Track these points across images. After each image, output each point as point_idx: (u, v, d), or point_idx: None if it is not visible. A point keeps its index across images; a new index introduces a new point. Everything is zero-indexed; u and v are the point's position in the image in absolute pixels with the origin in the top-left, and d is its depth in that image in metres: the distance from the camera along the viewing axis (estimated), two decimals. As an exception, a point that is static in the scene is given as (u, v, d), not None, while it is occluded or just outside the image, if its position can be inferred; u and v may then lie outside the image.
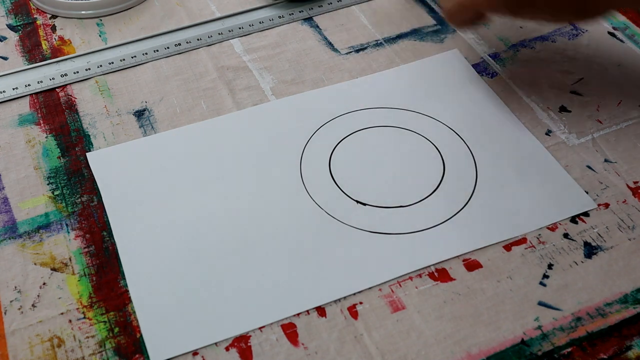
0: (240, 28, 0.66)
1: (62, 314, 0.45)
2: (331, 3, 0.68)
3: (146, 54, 0.63)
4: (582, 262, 0.47)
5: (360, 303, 0.45)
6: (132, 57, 0.63)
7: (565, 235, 0.48)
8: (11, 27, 0.67)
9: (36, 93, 0.60)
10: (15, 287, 0.46)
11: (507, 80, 0.60)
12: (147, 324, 0.44)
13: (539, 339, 0.43)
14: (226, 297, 0.45)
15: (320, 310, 0.45)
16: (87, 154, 0.54)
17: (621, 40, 0.63)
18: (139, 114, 0.58)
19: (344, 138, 0.55)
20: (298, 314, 0.44)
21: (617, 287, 0.45)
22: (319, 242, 0.48)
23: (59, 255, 0.48)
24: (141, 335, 0.43)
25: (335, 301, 0.45)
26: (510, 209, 0.50)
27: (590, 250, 0.47)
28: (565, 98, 0.58)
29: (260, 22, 0.66)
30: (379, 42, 0.64)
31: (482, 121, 0.56)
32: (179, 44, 0.64)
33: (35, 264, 0.47)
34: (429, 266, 0.47)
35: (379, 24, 0.66)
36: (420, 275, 0.46)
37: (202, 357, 0.42)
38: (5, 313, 0.45)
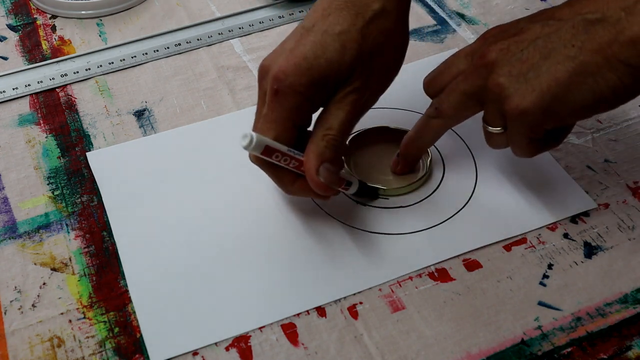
0: (240, 28, 0.66)
1: (62, 314, 0.45)
2: (331, 3, 0.68)
3: (146, 54, 0.63)
4: (582, 262, 0.47)
5: (360, 303, 0.45)
6: (132, 57, 0.63)
7: (565, 235, 0.48)
8: (11, 27, 0.67)
9: (36, 93, 0.60)
10: (15, 287, 0.46)
11: (507, 80, 0.60)
12: (147, 324, 0.44)
13: (539, 339, 0.43)
14: (226, 297, 0.45)
15: (320, 310, 0.45)
16: (87, 154, 0.54)
17: (621, 40, 0.63)
18: (139, 114, 0.58)
19: (344, 138, 0.55)
20: (298, 314, 0.44)
21: (617, 287, 0.45)
22: (319, 242, 0.48)
23: (59, 255, 0.48)
24: (141, 335, 0.43)
25: (335, 301, 0.45)
26: (510, 209, 0.50)
27: (590, 250, 0.47)
28: (565, 98, 0.58)
29: (260, 22, 0.66)
30: (379, 42, 0.64)
31: (482, 121, 0.56)
32: (179, 44, 0.64)
33: (35, 264, 0.47)
34: (429, 266, 0.47)
35: (379, 24, 0.66)
36: (420, 275, 0.46)
37: (202, 357, 0.42)
38: (5, 313, 0.45)
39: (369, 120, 0.56)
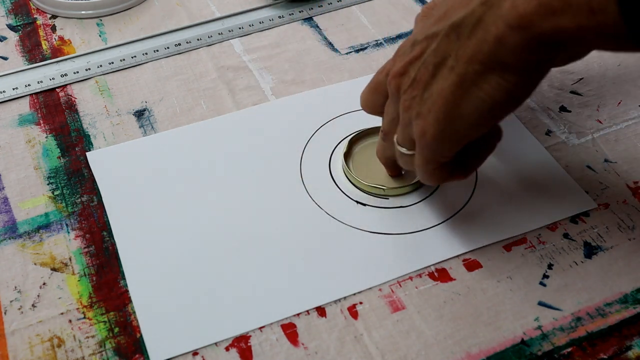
0: (240, 28, 0.66)
1: (62, 314, 0.45)
2: (331, 3, 0.68)
3: (146, 54, 0.63)
4: (582, 262, 0.47)
5: (360, 303, 0.45)
6: (132, 57, 0.63)
7: (565, 235, 0.48)
8: (11, 27, 0.67)
9: (36, 93, 0.60)
10: (15, 287, 0.46)
11: (507, 80, 0.60)
12: (147, 324, 0.44)
13: (539, 339, 0.43)
14: (226, 297, 0.45)
15: (320, 310, 0.45)
16: (87, 154, 0.54)
17: (621, 40, 0.63)
18: (139, 114, 0.58)
19: (344, 138, 0.55)
20: (298, 314, 0.44)
21: (617, 287, 0.45)
22: (319, 242, 0.48)
23: (59, 255, 0.48)
24: (141, 335, 0.43)
25: (335, 301, 0.45)
26: (510, 209, 0.50)
27: (590, 250, 0.47)
28: (565, 98, 0.58)
29: (260, 22, 0.66)
30: (379, 42, 0.64)
31: (482, 121, 0.56)
32: (179, 44, 0.64)
33: (35, 264, 0.47)
34: (429, 266, 0.47)
35: (379, 24, 0.66)
36: (420, 275, 0.46)
37: (202, 357, 0.42)
38: (5, 313, 0.45)
39: (369, 121, 0.56)
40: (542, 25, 0.34)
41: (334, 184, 0.52)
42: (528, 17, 0.34)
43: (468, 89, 0.37)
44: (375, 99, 0.46)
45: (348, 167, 0.52)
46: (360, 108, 0.57)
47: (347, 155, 0.53)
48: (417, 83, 0.40)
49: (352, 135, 0.54)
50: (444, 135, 0.40)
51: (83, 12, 0.67)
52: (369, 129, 0.54)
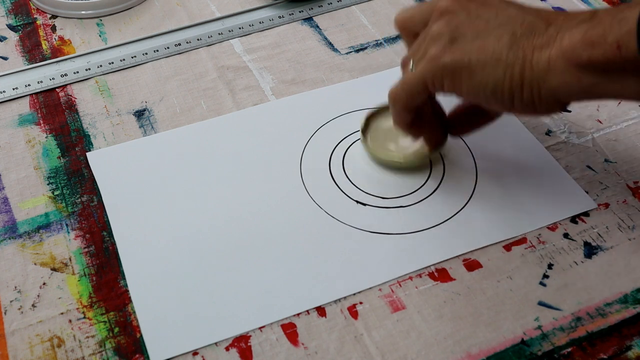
0: (240, 28, 0.66)
1: (62, 314, 0.45)
2: (331, 3, 0.68)
3: (146, 54, 0.63)
4: (582, 262, 0.47)
5: (360, 303, 0.45)
6: (132, 57, 0.63)
7: (565, 235, 0.48)
8: (11, 27, 0.67)
9: (36, 93, 0.60)
10: (15, 287, 0.46)
11: (507, 80, 0.60)
12: (147, 324, 0.44)
13: (539, 339, 0.43)
14: (226, 297, 0.45)
15: (320, 310, 0.45)
16: (87, 154, 0.54)
17: (621, 40, 0.63)
18: (139, 114, 0.58)
19: (344, 138, 0.55)
20: (298, 314, 0.44)
21: (617, 287, 0.45)
22: (319, 242, 0.48)
23: (59, 255, 0.48)
24: (141, 335, 0.43)
25: (335, 301, 0.45)
26: (510, 209, 0.50)
27: (590, 250, 0.47)
28: (565, 98, 0.58)
29: (260, 22, 0.66)
30: (379, 42, 0.64)
31: (482, 121, 0.56)
32: (179, 44, 0.64)
33: (35, 264, 0.47)
34: (429, 266, 0.47)
35: (379, 24, 0.66)
36: (420, 275, 0.46)
37: (202, 357, 0.42)
38: (5, 313, 0.45)
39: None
40: (581, 55, 0.39)
41: (334, 184, 0.52)
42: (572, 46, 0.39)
43: (497, 62, 0.41)
44: (413, 16, 0.47)
45: (365, 142, 0.52)
46: (360, 107, 0.57)
47: (365, 132, 0.53)
48: (471, 23, 0.43)
49: (370, 112, 0.54)
50: (445, 69, 0.43)
51: (83, 12, 0.67)
52: (385, 106, 0.54)
